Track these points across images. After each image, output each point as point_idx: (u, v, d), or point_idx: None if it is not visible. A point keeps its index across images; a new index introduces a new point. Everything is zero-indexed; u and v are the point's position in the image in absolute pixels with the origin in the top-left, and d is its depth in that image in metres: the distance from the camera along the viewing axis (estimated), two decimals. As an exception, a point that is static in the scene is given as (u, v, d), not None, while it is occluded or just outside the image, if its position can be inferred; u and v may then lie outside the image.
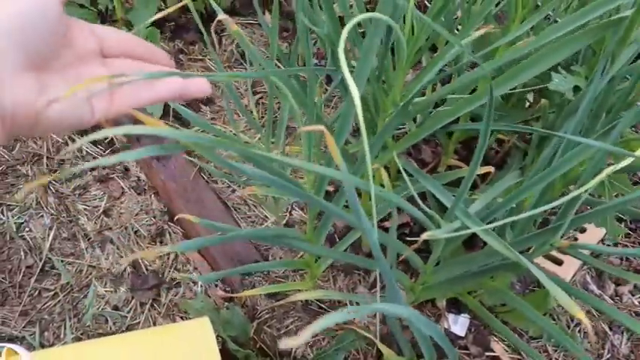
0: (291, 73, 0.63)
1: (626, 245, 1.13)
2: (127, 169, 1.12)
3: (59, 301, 0.98)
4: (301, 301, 0.98)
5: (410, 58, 0.72)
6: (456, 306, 1.01)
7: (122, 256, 1.03)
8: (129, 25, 1.18)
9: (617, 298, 1.07)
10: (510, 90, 0.91)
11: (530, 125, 0.91)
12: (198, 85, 0.42)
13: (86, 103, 0.38)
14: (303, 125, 0.67)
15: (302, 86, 0.72)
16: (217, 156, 0.44)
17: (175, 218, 1.04)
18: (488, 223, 0.59)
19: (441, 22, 0.73)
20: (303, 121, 0.71)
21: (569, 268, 1.07)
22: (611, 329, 1.04)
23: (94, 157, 1.12)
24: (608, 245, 1.11)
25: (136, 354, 0.71)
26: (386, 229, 0.97)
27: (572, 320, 1.03)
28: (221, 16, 0.59)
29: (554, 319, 1.02)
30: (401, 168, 0.58)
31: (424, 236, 0.54)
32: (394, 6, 0.57)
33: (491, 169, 0.68)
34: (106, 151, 1.13)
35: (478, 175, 0.79)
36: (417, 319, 0.42)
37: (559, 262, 1.06)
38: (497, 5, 0.90)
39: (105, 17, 1.20)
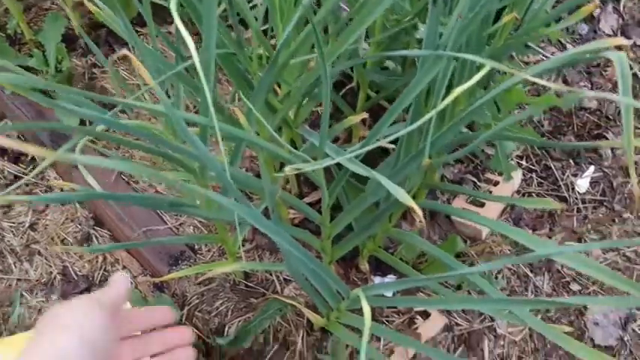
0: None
1: (540, 194, 1.19)
2: (50, 187, 1.14)
3: (-11, 316, 0.99)
4: (229, 283, 1.00)
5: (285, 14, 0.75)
6: (380, 269, 1.04)
7: (51, 266, 1.04)
8: (39, 46, 1.21)
9: (536, 241, 1.12)
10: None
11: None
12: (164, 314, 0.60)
13: None
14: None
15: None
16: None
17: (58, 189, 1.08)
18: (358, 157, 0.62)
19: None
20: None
21: (491, 213, 1.11)
22: (532, 272, 1.08)
23: (16, 176, 1.14)
24: (519, 191, 1.17)
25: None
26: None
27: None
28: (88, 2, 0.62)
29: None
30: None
31: (287, 170, 0.58)
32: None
33: (365, 115, 0.73)
34: (28, 168, 1.15)
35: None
36: (241, 209, 0.46)
37: (481, 205, 1.11)
38: None
39: (14, 41, 1.23)
